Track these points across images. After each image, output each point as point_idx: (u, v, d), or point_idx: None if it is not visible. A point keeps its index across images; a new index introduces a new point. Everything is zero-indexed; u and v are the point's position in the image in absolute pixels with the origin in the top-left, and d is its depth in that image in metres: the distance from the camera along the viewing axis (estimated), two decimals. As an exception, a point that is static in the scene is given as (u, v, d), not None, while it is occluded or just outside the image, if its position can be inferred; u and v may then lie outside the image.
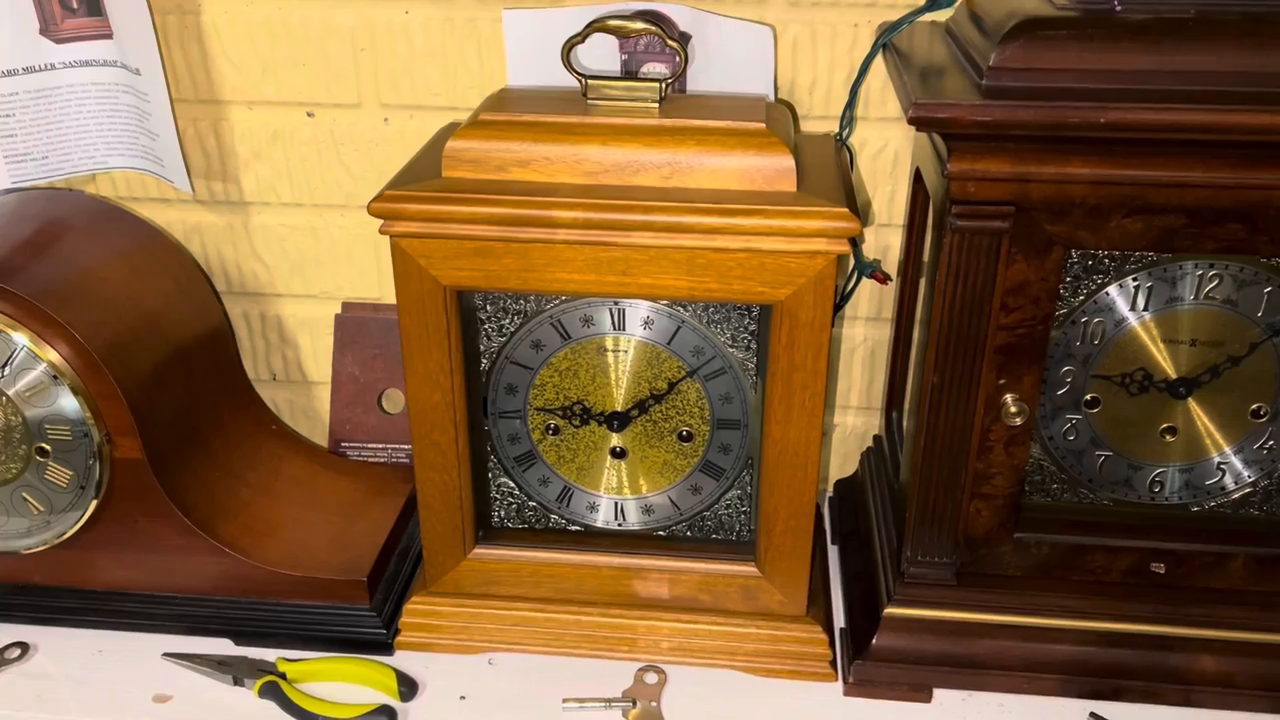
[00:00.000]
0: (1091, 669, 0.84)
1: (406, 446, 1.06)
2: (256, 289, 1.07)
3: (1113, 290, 0.77)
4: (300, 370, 1.11)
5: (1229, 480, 0.83)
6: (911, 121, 0.68)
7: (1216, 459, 0.82)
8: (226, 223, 1.04)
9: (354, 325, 1.06)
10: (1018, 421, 0.78)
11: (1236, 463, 0.82)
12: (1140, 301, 0.77)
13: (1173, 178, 0.70)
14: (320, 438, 1.11)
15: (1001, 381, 0.78)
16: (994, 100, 0.67)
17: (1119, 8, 0.70)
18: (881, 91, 0.93)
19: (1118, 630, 0.84)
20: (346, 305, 1.06)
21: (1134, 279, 0.76)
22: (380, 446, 1.07)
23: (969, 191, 0.71)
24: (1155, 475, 0.83)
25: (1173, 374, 0.79)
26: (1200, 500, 0.84)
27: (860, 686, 0.86)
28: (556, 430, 0.86)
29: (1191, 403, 0.80)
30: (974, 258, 0.74)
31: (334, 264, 1.05)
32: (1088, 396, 0.81)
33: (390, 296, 1.05)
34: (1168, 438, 0.81)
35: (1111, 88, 0.68)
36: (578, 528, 0.91)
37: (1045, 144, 0.69)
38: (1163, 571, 0.83)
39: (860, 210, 0.96)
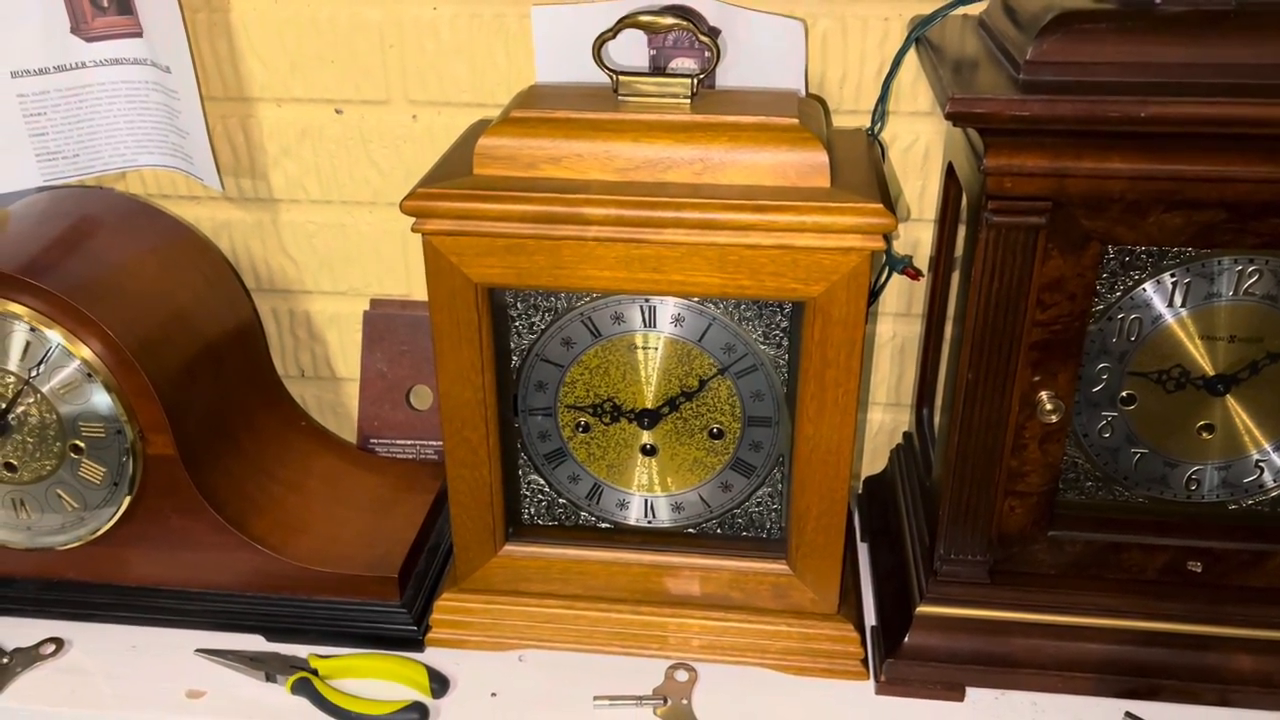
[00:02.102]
0: (1127, 668, 0.84)
1: (435, 442, 1.06)
2: (285, 285, 1.07)
3: (1149, 286, 0.76)
4: (329, 366, 1.11)
5: (1267, 477, 0.82)
6: (949, 117, 0.67)
7: (1255, 456, 0.81)
8: (255, 219, 1.04)
9: (382, 322, 1.06)
10: (1053, 419, 0.77)
11: (1276, 459, 0.81)
12: (1177, 297, 0.76)
13: (1213, 172, 0.69)
14: (348, 433, 1.11)
15: (1037, 378, 0.77)
16: (1032, 95, 0.67)
17: (1158, 0, 0.69)
18: (912, 85, 0.93)
19: (1153, 629, 0.83)
20: (374, 302, 1.07)
21: (1171, 275, 0.75)
22: (409, 442, 1.07)
23: (1006, 187, 0.71)
24: (1192, 473, 0.82)
25: (1210, 370, 0.78)
26: (1237, 498, 0.83)
27: (892, 685, 0.85)
28: (587, 428, 0.86)
29: (1229, 399, 0.79)
30: (1010, 254, 0.73)
31: (362, 260, 1.05)
32: (1124, 393, 0.80)
33: (418, 293, 1.05)
34: (1205, 435, 0.81)
35: (1151, 81, 0.67)
36: (608, 525, 0.91)
37: (1084, 139, 0.68)
38: (1199, 570, 0.82)
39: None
